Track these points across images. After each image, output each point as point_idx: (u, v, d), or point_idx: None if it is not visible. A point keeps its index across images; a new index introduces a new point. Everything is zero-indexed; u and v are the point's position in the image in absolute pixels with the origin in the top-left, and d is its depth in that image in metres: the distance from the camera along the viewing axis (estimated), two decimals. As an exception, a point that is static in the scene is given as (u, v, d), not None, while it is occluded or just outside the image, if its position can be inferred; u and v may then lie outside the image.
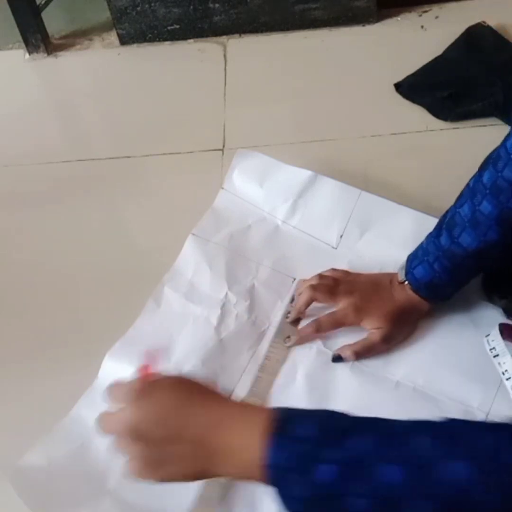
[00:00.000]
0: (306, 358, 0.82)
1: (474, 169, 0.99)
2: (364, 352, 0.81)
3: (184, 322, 0.86)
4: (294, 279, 0.89)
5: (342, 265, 0.89)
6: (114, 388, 0.59)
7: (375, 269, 0.88)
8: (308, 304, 0.84)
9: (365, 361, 0.81)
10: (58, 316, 0.92)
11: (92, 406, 0.80)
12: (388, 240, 0.90)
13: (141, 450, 0.56)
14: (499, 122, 1.05)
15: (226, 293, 0.88)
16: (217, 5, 1.25)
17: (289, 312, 0.86)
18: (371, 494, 0.47)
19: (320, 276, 0.86)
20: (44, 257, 0.99)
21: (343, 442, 0.49)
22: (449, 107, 1.08)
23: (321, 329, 0.82)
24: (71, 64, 1.30)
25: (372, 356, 0.81)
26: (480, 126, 1.06)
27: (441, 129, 1.07)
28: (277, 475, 0.50)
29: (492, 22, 1.18)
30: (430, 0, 1.26)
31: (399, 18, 1.26)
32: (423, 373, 0.79)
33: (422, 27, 1.24)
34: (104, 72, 1.28)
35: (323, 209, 0.94)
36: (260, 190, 0.97)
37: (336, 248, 0.92)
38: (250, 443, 0.51)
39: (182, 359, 0.82)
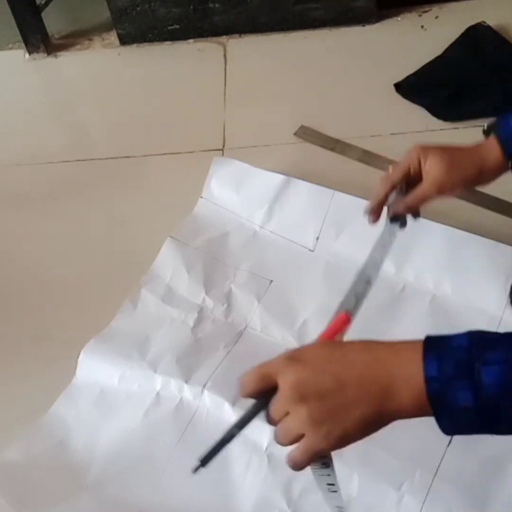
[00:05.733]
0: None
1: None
2: (416, 202, 0.76)
3: (161, 324, 0.87)
4: (271, 281, 0.90)
5: (320, 267, 0.90)
6: (255, 370, 0.57)
7: (351, 270, 0.89)
8: (389, 187, 0.79)
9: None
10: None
11: (71, 404, 0.81)
12: (363, 239, 0.90)
13: (311, 408, 0.53)
14: (499, 122, 1.05)
15: (204, 298, 0.89)
16: (217, 5, 1.25)
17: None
18: None
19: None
20: (43, 257, 0.99)
21: (499, 345, 0.50)
22: (449, 107, 1.08)
23: (393, 177, 0.77)
24: (71, 64, 1.30)
25: (425, 205, 0.77)
26: (480, 126, 1.05)
27: (441, 129, 1.07)
28: (439, 387, 0.50)
29: (492, 22, 1.18)
30: (430, 0, 1.26)
31: (399, 18, 1.26)
32: None
33: (422, 27, 1.24)
34: (104, 72, 1.28)
35: (298, 212, 0.95)
36: (237, 197, 0.98)
37: (313, 251, 0.92)
38: (413, 367, 0.52)
39: (157, 356, 0.83)
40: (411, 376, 0.51)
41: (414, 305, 0.86)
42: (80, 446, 0.78)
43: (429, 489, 0.70)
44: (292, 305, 0.88)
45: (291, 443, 0.54)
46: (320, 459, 0.54)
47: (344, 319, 0.62)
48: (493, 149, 0.76)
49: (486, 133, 0.80)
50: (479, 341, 0.51)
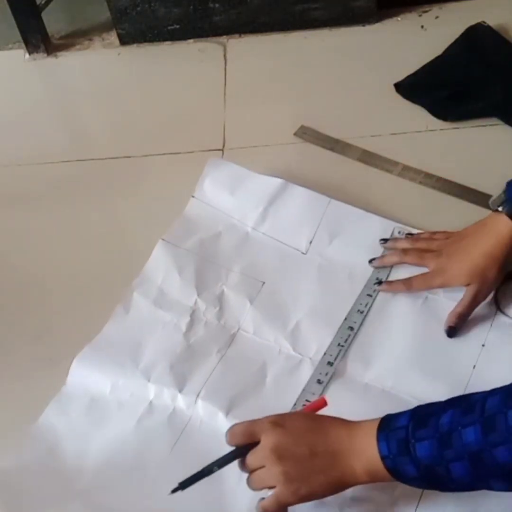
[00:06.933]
0: (276, 362, 0.83)
1: (473, 169, 0.99)
2: (468, 311, 0.82)
3: (153, 329, 0.86)
4: (263, 283, 0.90)
5: (312, 270, 0.90)
6: (243, 426, 0.69)
7: (343, 274, 0.89)
8: (395, 264, 0.88)
9: (334, 363, 0.82)
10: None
11: (61, 412, 0.81)
12: (357, 246, 0.92)
13: (286, 468, 0.65)
14: (499, 122, 1.05)
15: (196, 300, 0.88)
16: (217, 5, 1.25)
17: (373, 258, 0.89)
18: (461, 454, 0.58)
19: (415, 238, 0.89)
20: (42, 257, 0.98)
21: (431, 422, 0.61)
22: (449, 107, 1.08)
23: (412, 289, 0.86)
24: (71, 64, 1.30)
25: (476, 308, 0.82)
26: (480, 126, 1.06)
27: (441, 129, 1.07)
28: (391, 463, 0.62)
29: (492, 22, 1.18)
30: (430, 0, 1.26)
31: (399, 18, 1.26)
32: (392, 375, 0.80)
33: (422, 27, 1.24)
34: (104, 72, 1.28)
35: (292, 216, 0.95)
36: (230, 198, 0.97)
37: (305, 253, 0.92)
38: (368, 446, 0.63)
39: (151, 363, 0.83)
40: (366, 453, 0.63)
41: (406, 306, 0.86)
42: (71, 455, 0.78)
43: (422, 493, 0.70)
44: (284, 307, 0.87)
45: (260, 490, 0.67)
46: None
47: (322, 403, 0.71)
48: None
49: (497, 205, 0.83)
50: (415, 420, 0.62)
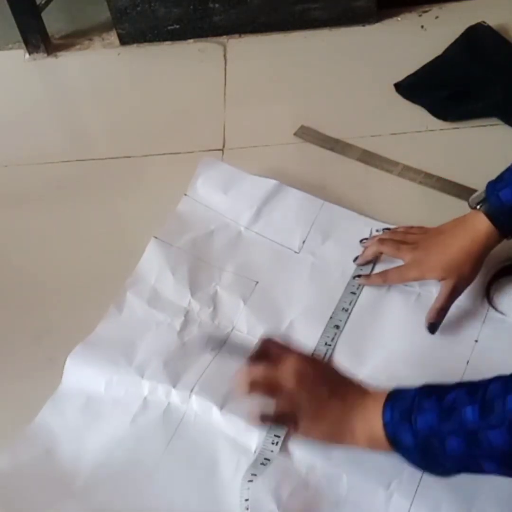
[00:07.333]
0: None
1: (473, 169, 0.99)
2: (445, 306, 0.82)
3: (147, 328, 0.86)
4: (257, 282, 0.90)
5: (305, 268, 0.90)
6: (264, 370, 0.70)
7: (337, 273, 0.89)
8: (374, 256, 0.90)
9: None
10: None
11: (57, 412, 0.81)
12: (350, 246, 0.92)
13: (303, 396, 0.67)
14: (499, 122, 1.05)
15: (190, 301, 0.88)
16: (217, 5, 1.25)
17: (357, 257, 0.90)
18: (458, 430, 0.59)
19: (392, 232, 0.91)
20: (42, 257, 0.98)
21: (436, 395, 0.62)
22: (449, 107, 1.08)
23: (387, 281, 0.87)
24: (71, 64, 1.30)
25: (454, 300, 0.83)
26: (480, 126, 1.06)
27: (441, 129, 1.07)
28: (391, 430, 0.63)
29: (492, 22, 1.18)
30: (430, 0, 1.26)
31: (399, 18, 1.26)
32: (386, 372, 0.80)
33: (422, 27, 1.24)
34: (104, 72, 1.28)
35: (286, 216, 0.95)
36: (224, 198, 0.97)
37: (298, 253, 0.92)
38: (373, 413, 0.65)
39: (144, 361, 0.83)
40: (370, 420, 0.65)
41: (399, 303, 0.86)
42: (67, 454, 0.78)
43: (418, 486, 0.70)
44: (278, 306, 0.87)
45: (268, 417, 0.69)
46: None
47: None
48: (491, 236, 0.82)
49: (476, 203, 0.83)
50: (422, 393, 0.63)
